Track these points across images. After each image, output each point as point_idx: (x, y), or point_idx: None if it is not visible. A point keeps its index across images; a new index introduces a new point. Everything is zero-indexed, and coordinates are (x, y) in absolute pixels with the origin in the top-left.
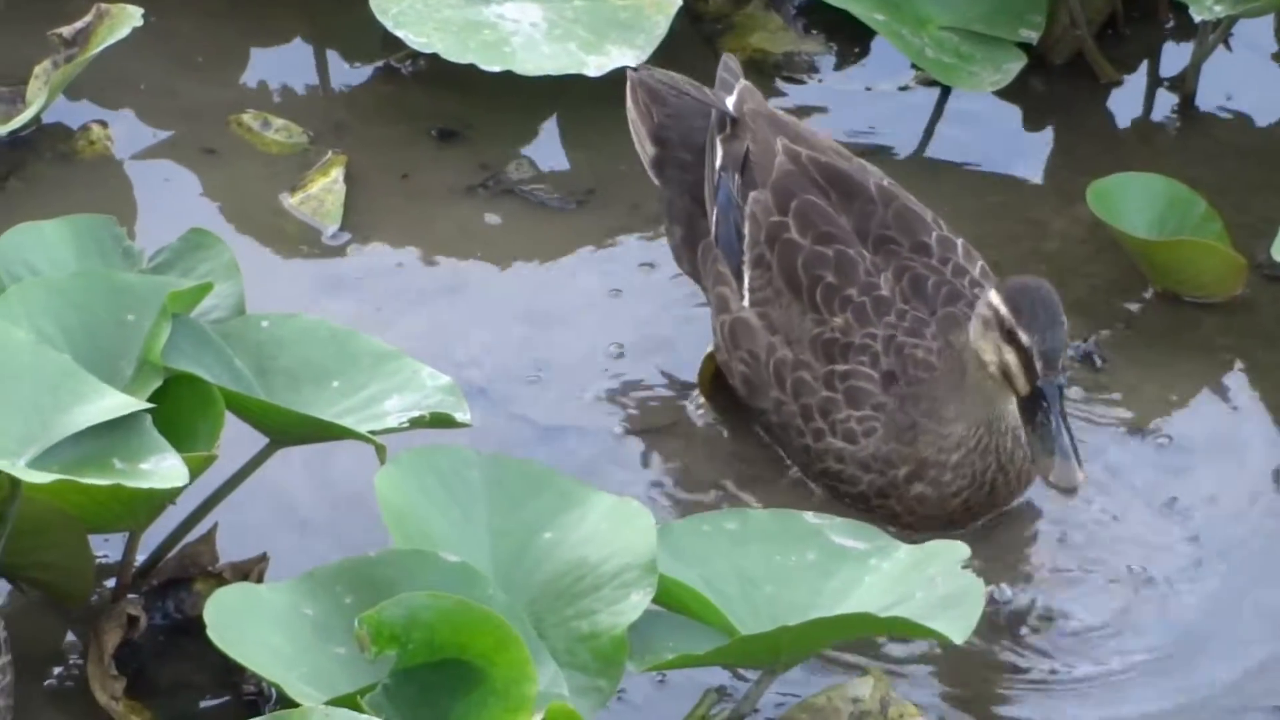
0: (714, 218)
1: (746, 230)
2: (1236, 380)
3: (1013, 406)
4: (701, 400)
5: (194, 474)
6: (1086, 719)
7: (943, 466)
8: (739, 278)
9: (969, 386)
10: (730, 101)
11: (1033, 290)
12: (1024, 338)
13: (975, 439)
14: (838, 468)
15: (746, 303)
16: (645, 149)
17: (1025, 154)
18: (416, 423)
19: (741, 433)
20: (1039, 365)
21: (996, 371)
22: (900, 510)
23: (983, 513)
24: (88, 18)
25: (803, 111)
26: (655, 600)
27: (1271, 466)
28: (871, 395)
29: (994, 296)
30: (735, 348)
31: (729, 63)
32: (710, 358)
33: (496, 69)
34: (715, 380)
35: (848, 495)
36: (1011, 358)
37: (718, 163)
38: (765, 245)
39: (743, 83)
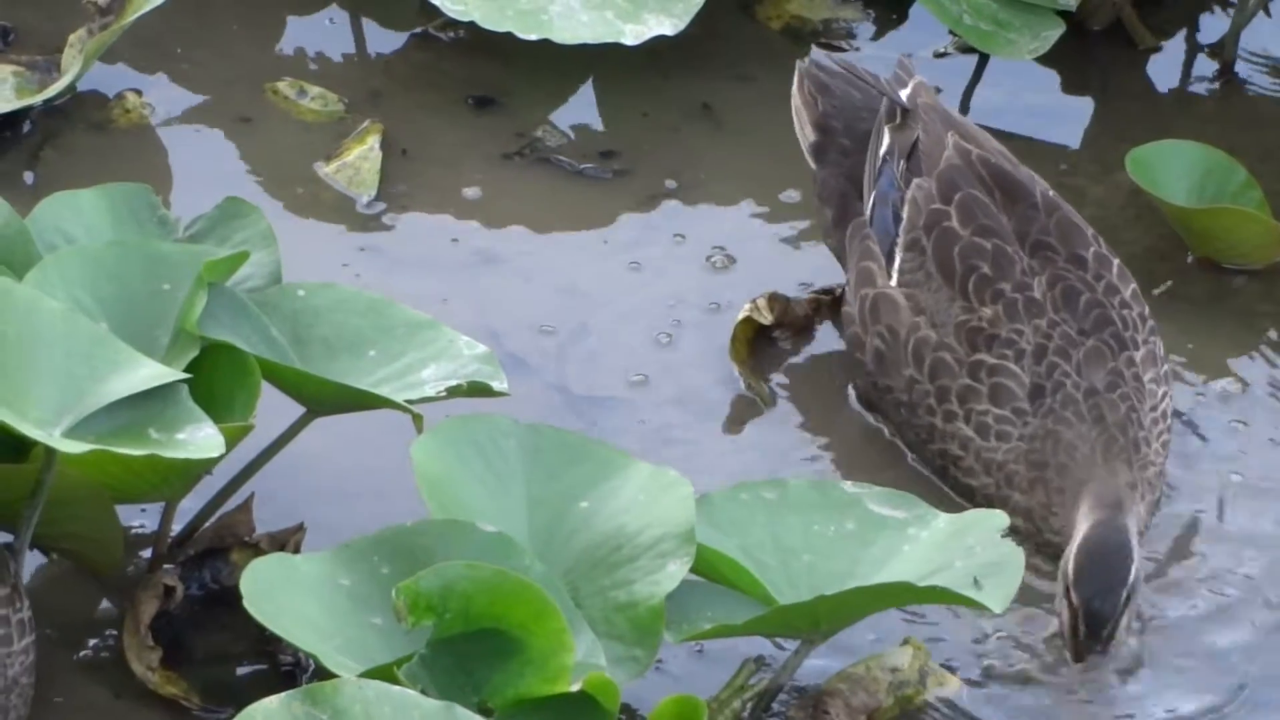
0: (870, 200)
1: (905, 214)
2: (1274, 346)
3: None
4: (736, 369)
5: (230, 444)
6: (1130, 689)
7: (1038, 533)
8: (889, 258)
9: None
10: (904, 94)
11: (1112, 563)
12: (1088, 643)
13: (1060, 542)
14: (958, 453)
15: (894, 282)
16: (806, 134)
17: (1063, 121)
18: (453, 392)
19: (780, 401)
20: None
21: (1055, 629)
22: None
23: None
24: None
25: None
26: (693, 570)
27: None
28: (1015, 398)
29: (1070, 567)
30: (874, 322)
31: (904, 61)
32: (744, 323)
33: (533, 37)
34: (749, 347)
35: (957, 480)
36: (1066, 639)
37: (883, 149)
38: (922, 230)
39: (917, 78)
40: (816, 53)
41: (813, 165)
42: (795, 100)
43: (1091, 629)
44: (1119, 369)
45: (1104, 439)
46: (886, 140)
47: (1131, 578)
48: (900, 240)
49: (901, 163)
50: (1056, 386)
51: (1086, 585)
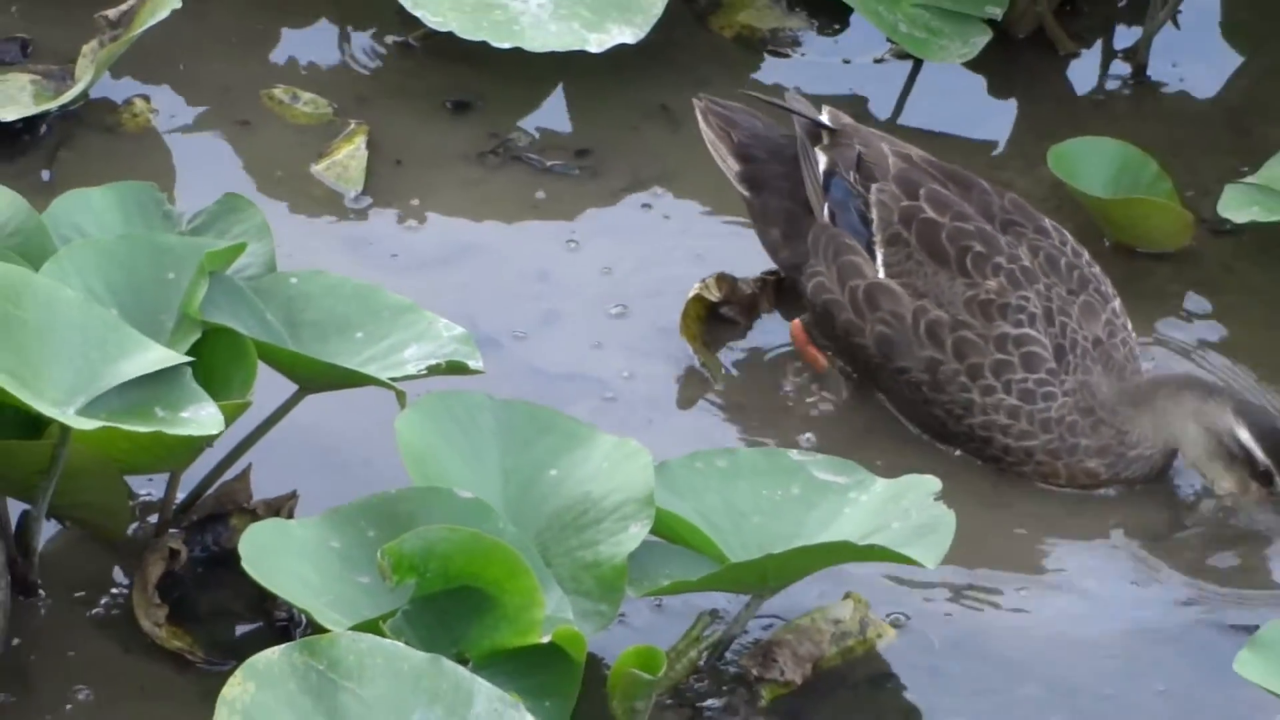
0: (826, 209)
1: (875, 215)
2: (1185, 325)
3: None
4: (689, 345)
5: (229, 420)
6: (1061, 638)
7: (1121, 458)
8: (870, 252)
9: (1153, 424)
10: (825, 116)
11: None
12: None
13: (1152, 451)
14: (1007, 421)
15: (880, 272)
16: (730, 165)
17: (990, 120)
18: (433, 370)
19: (730, 374)
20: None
21: (1233, 487)
22: (1062, 473)
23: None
24: (129, 2)
25: (788, 83)
26: (652, 532)
27: None
28: (1045, 361)
29: (1244, 434)
30: (873, 310)
31: (796, 92)
32: (694, 301)
33: (506, 46)
34: (700, 324)
35: (1008, 446)
36: (1256, 488)
37: (822, 166)
38: (900, 225)
39: (826, 107)
40: (703, 97)
41: (746, 192)
42: (707, 135)
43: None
44: (1110, 320)
45: (1117, 378)
46: (824, 158)
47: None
48: (878, 238)
49: (852, 173)
50: (1073, 344)
51: (1270, 438)
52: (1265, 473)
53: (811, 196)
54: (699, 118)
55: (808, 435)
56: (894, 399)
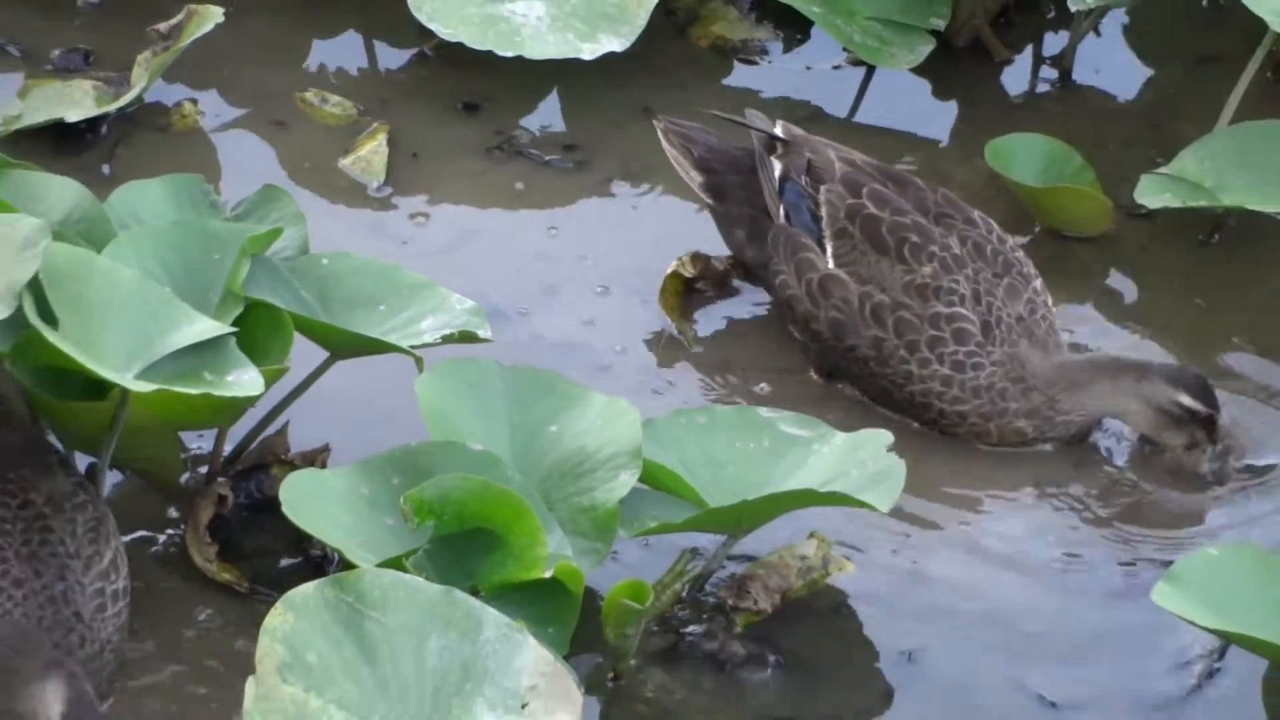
0: (781, 210)
1: (824, 213)
2: (1107, 299)
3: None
4: (667, 316)
5: (269, 382)
6: (997, 572)
7: (1048, 421)
8: (820, 246)
9: (1090, 399)
10: (779, 129)
11: (1207, 385)
12: (1221, 423)
13: (1080, 419)
14: (942, 389)
15: (830, 264)
16: (693, 177)
17: (935, 120)
18: (448, 339)
19: (712, 345)
20: (1218, 434)
21: (1183, 444)
22: (994, 433)
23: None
24: (179, 16)
25: (757, 87)
26: (640, 480)
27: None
28: (974, 336)
29: (1185, 399)
30: (826, 297)
31: (754, 111)
32: (671, 277)
33: (510, 54)
34: (678, 298)
35: (943, 410)
36: (1202, 435)
37: (777, 173)
38: (846, 220)
39: (779, 121)
40: (662, 118)
41: (709, 200)
42: (670, 153)
43: (1219, 429)
44: (1031, 298)
45: (1041, 350)
46: (779, 166)
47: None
48: (827, 233)
49: (804, 177)
50: (999, 320)
51: (1211, 398)
52: (1208, 419)
53: (769, 200)
54: (660, 137)
55: (761, 385)
56: (847, 375)
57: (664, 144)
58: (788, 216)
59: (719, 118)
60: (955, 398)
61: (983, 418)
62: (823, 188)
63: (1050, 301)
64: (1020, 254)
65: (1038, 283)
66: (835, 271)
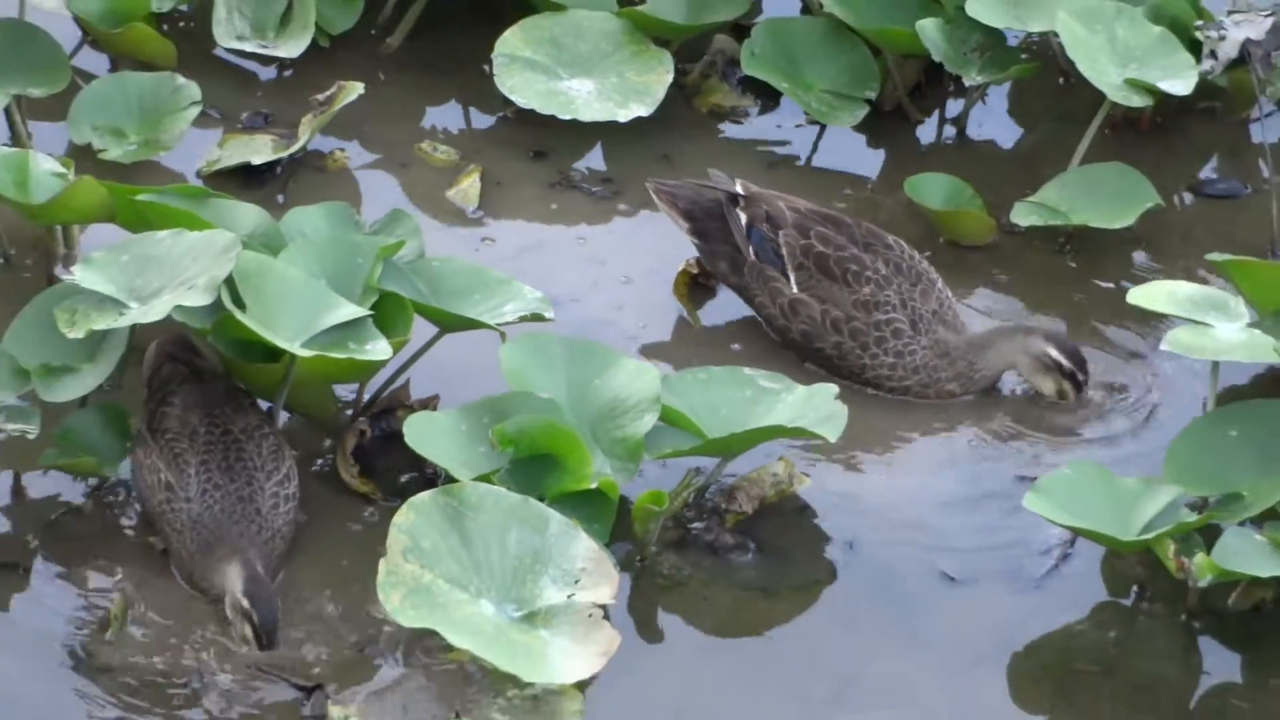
0: (751, 250)
1: (785, 252)
2: (992, 292)
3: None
4: (679, 302)
5: (395, 350)
6: (918, 488)
7: (970, 379)
8: (786, 277)
9: (995, 356)
10: (739, 187)
11: (1077, 350)
12: (1083, 380)
13: (991, 373)
14: (888, 373)
15: (795, 290)
16: (681, 224)
17: (868, 164)
18: (522, 319)
19: (710, 323)
20: (1084, 383)
21: (1053, 390)
22: (931, 396)
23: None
24: (332, 89)
25: (743, 139)
26: (660, 419)
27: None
28: (906, 333)
29: (1053, 352)
30: (795, 315)
31: (717, 171)
32: (682, 274)
33: (567, 117)
34: (687, 289)
35: (893, 387)
36: (1068, 386)
37: (743, 221)
38: (802, 256)
39: (739, 180)
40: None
41: (695, 241)
42: (661, 206)
43: (1084, 390)
44: (939, 296)
45: (953, 331)
46: (744, 217)
47: None
48: (790, 266)
49: (765, 225)
50: (920, 317)
51: (1078, 359)
52: (1071, 374)
53: (740, 243)
54: (652, 195)
55: (746, 351)
56: (817, 365)
57: (655, 200)
58: (757, 254)
59: (691, 182)
60: (900, 378)
61: (923, 387)
62: (781, 232)
63: (951, 295)
64: (926, 264)
65: (940, 283)
66: (800, 295)
